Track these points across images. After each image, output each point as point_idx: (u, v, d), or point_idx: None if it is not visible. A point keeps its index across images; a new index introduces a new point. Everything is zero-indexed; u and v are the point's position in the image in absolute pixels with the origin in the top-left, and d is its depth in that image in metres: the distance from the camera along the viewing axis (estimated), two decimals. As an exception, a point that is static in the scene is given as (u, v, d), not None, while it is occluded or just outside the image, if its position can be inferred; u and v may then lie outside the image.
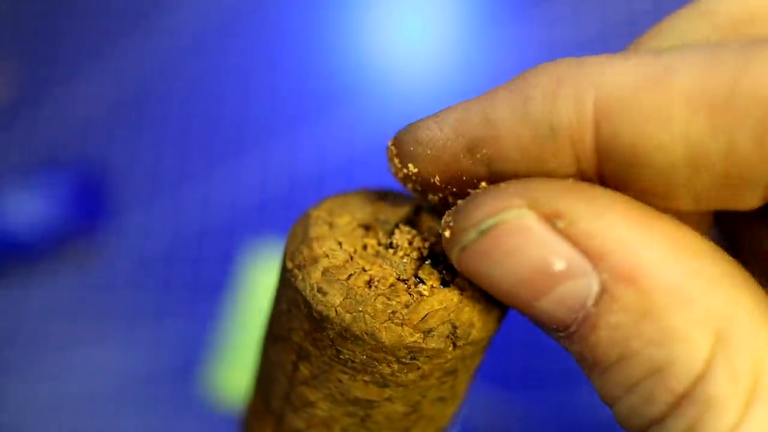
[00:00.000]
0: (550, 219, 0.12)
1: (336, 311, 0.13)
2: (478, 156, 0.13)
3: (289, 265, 0.14)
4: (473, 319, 0.14)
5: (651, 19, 0.49)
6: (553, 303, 0.12)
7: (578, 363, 0.12)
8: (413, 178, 0.14)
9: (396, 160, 0.14)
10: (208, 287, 0.47)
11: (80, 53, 0.54)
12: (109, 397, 0.46)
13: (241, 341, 0.45)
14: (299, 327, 0.14)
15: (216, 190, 0.50)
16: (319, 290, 0.13)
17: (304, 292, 0.13)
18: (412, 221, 0.15)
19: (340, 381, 0.14)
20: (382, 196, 0.16)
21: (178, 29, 0.54)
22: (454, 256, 0.13)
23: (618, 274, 0.11)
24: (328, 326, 0.13)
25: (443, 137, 0.13)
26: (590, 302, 0.12)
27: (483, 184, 0.13)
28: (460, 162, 0.13)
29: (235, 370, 0.45)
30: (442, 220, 0.13)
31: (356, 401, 0.14)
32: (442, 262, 0.14)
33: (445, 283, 0.14)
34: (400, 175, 0.14)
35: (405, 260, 0.14)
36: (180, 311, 0.47)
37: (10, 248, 0.47)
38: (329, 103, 0.51)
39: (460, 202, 0.13)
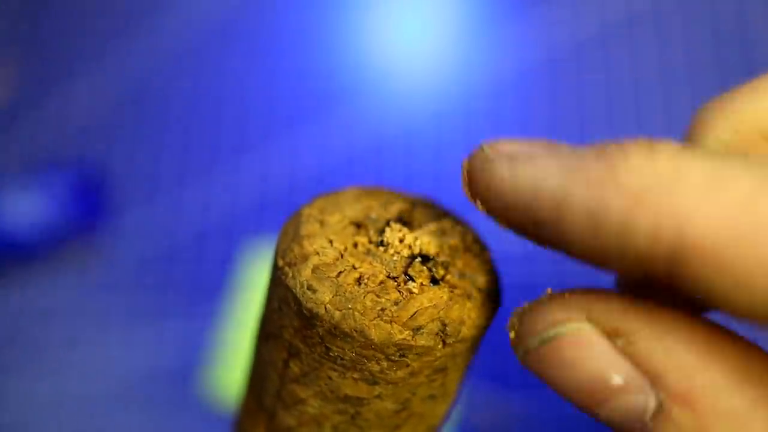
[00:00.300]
0: (610, 335, 0.12)
1: (325, 308, 0.13)
2: (542, 231, 0.13)
3: (280, 262, 0.14)
4: (463, 317, 0.14)
5: (651, 19, 0.49)
6: (612, 412, 0.12)
7: None
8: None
9: (466, 188, 0.14)
10: (207, 287, 0.47)
11: (80, 53, 0.54)
12: (109, 397, 0.46)
13: (240, 341, 0.45)
14: (290, 324, 0.14)
15: (216, 190, 0.50)
16: (309, 287, 0.13)
17: (294, 290, 0.13)
18: (404, 219, 0.15)
19: (330, 378, 0.14)
20: (375, 193, 0.16)
21: (177, 29, 0.54)
22: (519, 357, 0.13)
23: (674, 395, 0.11)
24: (318, 323, 0.13)
25: (513, 198, 0.13)
26: (648, 417, 0.12)
27: (549, 290, 0.14)
28: (524, 224, 0.13)
29: (234, 370, 0.45)
30: (509, 320, 0.14)
31: (346, 398, 0.14)
32: (432, 260, 0.14)
33: (434, 281, 0.14)
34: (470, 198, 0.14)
35: (395, 258, 0.14)
36: (180, 311, 0.47)
37: (10, 248, 0.48)
38: (329, 103, 0.51)
39: (525, 305, 0.14)
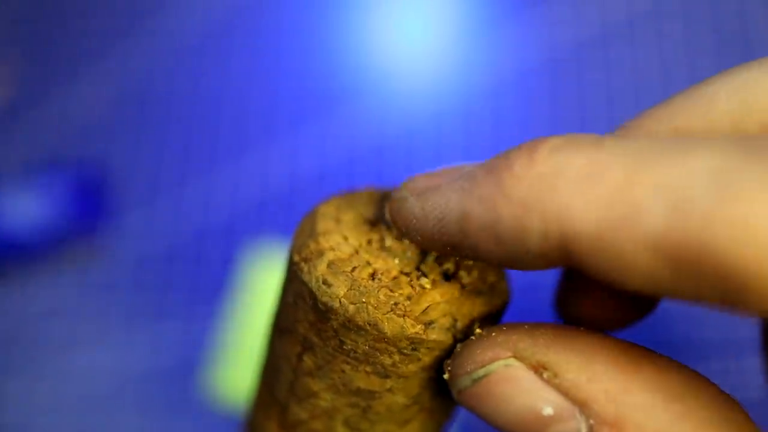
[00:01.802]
0: (537, 369, 0.13)
1: (340, 302, 0.13)
2: (458, 251, 0.14)
3: (296, 258, 0.14)
4: (474, 313, 0.14)
5: (651, 19, 0.49)
6: None
7: None
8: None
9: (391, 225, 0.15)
10: (208, 287, 0.47)
11: (80, 53, 0.54)
12: (109, 397, 0.46)
13: (241, 341, 0.45)
14: (304, 318, 0.14)
15: (216, 190, 0.50)
16: (324, 282, 0.14)
17: (309, 284, 0.14)
18: None
19: (342, 371, 0.14)
20: (389, 194, 0.16)
21: (177, 29, 0.54)
22: (454, 396, 0.14)
23: (602, 420, 0.12)
24: (332, 317, 0.13)
25: (426, 228, 0.14)
26: None
27: (477, 330, 0.14)
28: (443, 247, 0.14)
29: (235, 370, 0.45)
30: (444, 362, 0.14)
31: (358, 392, 0.14)
32: (444, 257, 0.15)
33: (447, 277, 0.14)
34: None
35: (408, 254, 0.14)
36: (180, 311, 0.47)
37: (10, 248, 0.47)
38: (330, 103, 0.51)
39: (457, 348, 0.14)
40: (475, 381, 0.13)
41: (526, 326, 0.14)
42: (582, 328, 0.13)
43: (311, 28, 0.53)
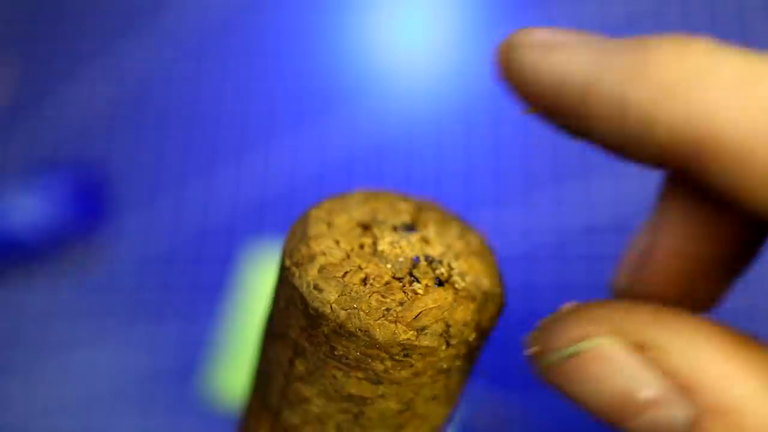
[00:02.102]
0: (637, 348, 0.12)
1: (331, 308, 0.13)
2: (569, 116, 0.13)
3: (287, 262, 0.14)
4: (467, 318, 0.14)
5: (652, 18, 0.49)
6: (641, 427, 0.12)
7: None
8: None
9: (499, 70, 0.14)
10: (208, 287, 0.47)
11: (80, 53, 0.54)
12: (109, 398, 0.46)
13: (241, 342, 0.45)
14: (296, 324, 0.14)
15: (216, 190, 0.50)
16: (315, 287, 0.13)
17: (300, 289, 0.13)
18: (410, 221, 0.15)
19: (334, 377, 0.14)
20: (382, 196, 0.16)
21: (178, 30, 0.54)
22: (539, 372, 0.13)
23: (709, 407, 0.11)
24: (323, 323, 0.13)
25: (542, 83, 0.13)
26: (681, 430, 0.11)
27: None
28: (552, 109, 0.13)
29: (235, 370, 0.45)
30: (530, 334, 0.14)
31: (350, 398, 0.14)
32: (437, 262, 0.14)
33: (439, 283, 0.14)
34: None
35: (401, 259, 0.14)
36: (180, 312, 0.47)
37: (11, 249, 0.48)
38: (330, 103, 0.51)
39: (546, 320, 0.13)
40: (567, 358, 0.12)
41: (624, 303, 0.13)
42: (683, 310, 0.12)
43: (311, 29, 0.53)
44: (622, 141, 0.12)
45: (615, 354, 0.12)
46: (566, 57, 0.12)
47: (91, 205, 0.49)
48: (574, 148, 0.47)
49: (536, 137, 0.48)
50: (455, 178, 0.48)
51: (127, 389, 0.46)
